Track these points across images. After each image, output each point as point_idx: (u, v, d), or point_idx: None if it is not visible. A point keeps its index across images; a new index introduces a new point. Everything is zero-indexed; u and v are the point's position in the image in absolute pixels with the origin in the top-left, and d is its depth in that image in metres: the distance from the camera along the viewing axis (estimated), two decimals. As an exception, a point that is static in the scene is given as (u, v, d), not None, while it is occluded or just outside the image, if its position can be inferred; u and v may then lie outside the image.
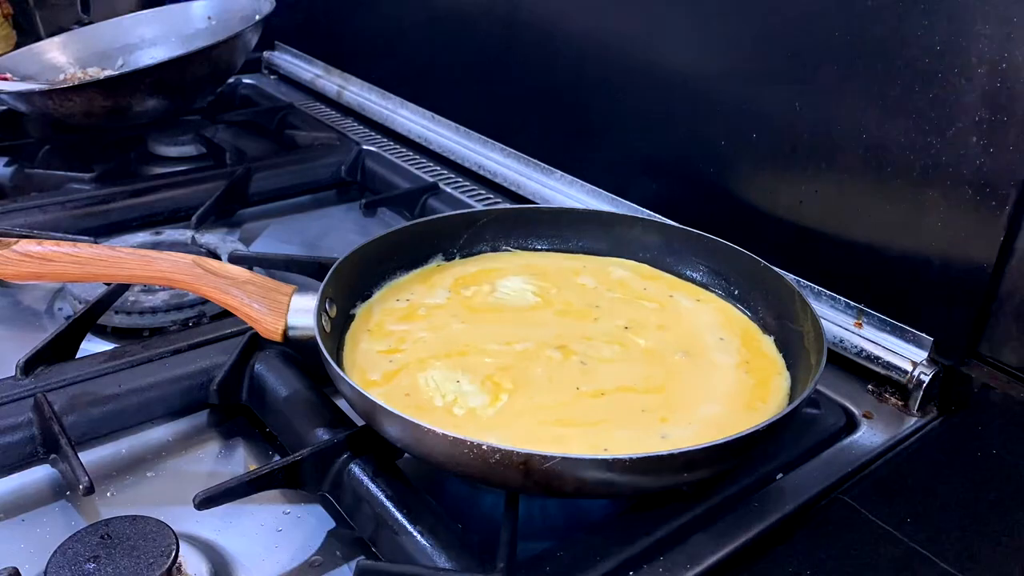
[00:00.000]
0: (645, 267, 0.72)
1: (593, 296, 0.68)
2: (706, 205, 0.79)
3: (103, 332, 0.71)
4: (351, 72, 1.26)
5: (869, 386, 0.66)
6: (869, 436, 0.61)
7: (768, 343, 0.63)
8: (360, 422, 0.55)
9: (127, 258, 0.59)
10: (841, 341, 0.68)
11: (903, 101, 0.62)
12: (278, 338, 0.58)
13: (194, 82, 1.04)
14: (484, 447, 0.45)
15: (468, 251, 0.73)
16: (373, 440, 0.54)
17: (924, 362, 0.64)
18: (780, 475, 0.56)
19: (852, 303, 0.68)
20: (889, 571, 0.48)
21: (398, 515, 0.50)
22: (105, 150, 1.04)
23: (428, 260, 0.71)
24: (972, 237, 0.60)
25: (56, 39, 1.20)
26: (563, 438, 0.52)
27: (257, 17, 1.10)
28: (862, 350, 0.67)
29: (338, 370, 0.52)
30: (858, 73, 0.64)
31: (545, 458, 0.45)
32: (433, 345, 0.61)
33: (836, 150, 0.68)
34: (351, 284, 0.65)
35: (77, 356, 0.64)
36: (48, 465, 0.57)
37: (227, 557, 0.52)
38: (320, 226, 0.95)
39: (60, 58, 1.18)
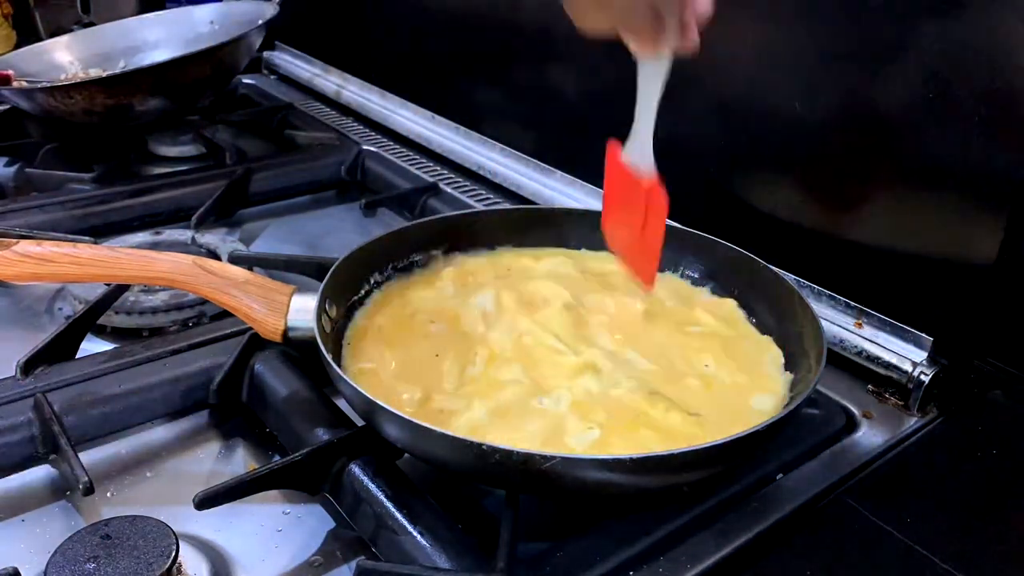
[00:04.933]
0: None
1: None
2: (706, 205, 0.79)
3: (103, 332, 0.71)
4: (350, 72, 1.26)
5: (869, 386, 0.66)
6: (869, 436, 0.61)
7: (768, 343, 0.63)
8: (360, 422, 0.55)
9: (127, 258, 0.59)
10: (841, 341, 0.67)
11: (904, 101, 0.62)
12: (278, 338, 0.58)
13: (196, 83, 1.04)
14: (484, 447, 0.45)
15: (468, 251, 0.73)
16: (373, 440, 0.54)
17: (924, 362, 0.64)
18: (780, 475, 0.56)
19: (852, 303, 0.68)
20: (889, 571, 0.49)
21: (398, 515, 0.50)
22: (105, 150, 1.04)
23: (428, 260, 0.71)
24: (972, 237, 0.60)
25: (60, 39, 1.21)
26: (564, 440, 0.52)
27: (260, 22, 1.10)
28: (862, 350, 0.67)
29: (338, 370, 0.52)
30: (858, 73, 0.64)
31: (545, 458, 0.45)
32: (434, 345, 0.61)
33: (836, 150, 0.67)
34: (351, 284, 0.65)
35: (77, 356, 0.64)
36: (48, 465, 0.57)
37: (227, 557, 0.51)
38: (320, 226, 0.95)
39: (63, 58, 1.18)
